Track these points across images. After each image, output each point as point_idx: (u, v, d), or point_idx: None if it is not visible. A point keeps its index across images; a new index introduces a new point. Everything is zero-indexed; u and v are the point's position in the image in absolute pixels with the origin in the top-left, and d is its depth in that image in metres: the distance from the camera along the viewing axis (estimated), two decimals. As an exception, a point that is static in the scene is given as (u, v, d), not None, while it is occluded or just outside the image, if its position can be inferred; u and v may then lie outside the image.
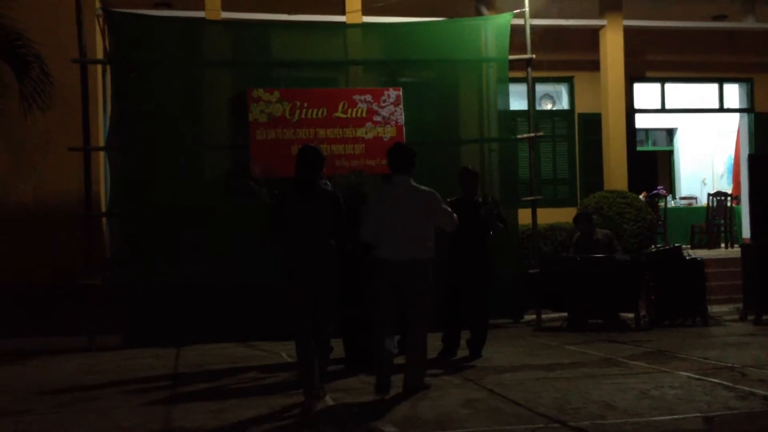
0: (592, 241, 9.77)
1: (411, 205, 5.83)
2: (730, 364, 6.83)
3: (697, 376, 6.34)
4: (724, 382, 6.08)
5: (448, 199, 6.84)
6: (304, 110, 9.61)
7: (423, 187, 5.94)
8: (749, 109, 14.91)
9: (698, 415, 5.13)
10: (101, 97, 10.25)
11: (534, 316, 9.82)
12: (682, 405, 5.40)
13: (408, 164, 5.93)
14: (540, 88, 13.72)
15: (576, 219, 10.07)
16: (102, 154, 9.78)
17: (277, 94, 9.56)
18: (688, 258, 9.71)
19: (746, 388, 5.86)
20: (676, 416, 5.09)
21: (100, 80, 10.23)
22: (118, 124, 9.39)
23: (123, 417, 5.41)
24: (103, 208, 9.72)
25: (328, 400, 5.72)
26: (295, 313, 5.56)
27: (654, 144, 18.79)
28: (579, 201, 13.14)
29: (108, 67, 9.99)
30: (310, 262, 5.55)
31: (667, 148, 18.62)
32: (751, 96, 14.88)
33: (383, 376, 5.78)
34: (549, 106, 14.31)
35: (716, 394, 5.69)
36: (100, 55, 10.06)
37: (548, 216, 11.74)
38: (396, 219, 5.78)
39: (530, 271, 9.94)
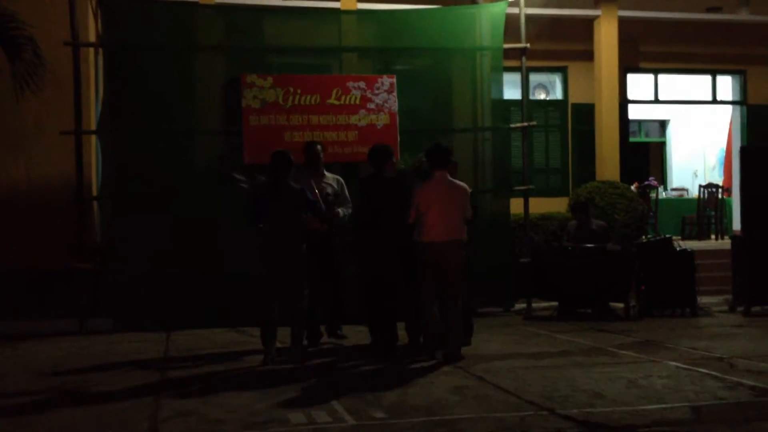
0: (588, 231, 9.80)
1: (452, 196, 6.88)
2: (718, 355, 6.88)
3: (685, 366, 6.38)
4: (713, 372, 6.12)
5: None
6: (297, 96, 9.56)
7: (458, 182, 7.04)
8: (742, 102, 14.95)
9: (686, 404, 5.17)
10: (93, 80, 10.18)
11: (524, 305, 9.84)
12: (671, 394, 5.44)
13: (447, 162, 7.00)
14: (534, 78, 13.70)
15: (573, 208, 10.11)
16: (93, 138, 9.73)
17: (270, 79, 9.51)
18: (678, 249, 9.76)
19: (734, 379, 5.91)
20: (664, 405, 5.13)
21: (93, 64, 10.17)
22: (109, 108, 9.34)
23: (115, 400, 5.42)
24: (95, 193, 9.68)
25: (322, 389, 5.73)
26: (264, 285, 6.79)
27: (647, 135, 18.84)
28: (571, 191, 13.16)
29: (101, 51, 9.92)
30: (280, 245, 6.77)
31: (660, 140, 18.67)
32: (744, 88, 14.91)
33: (433, 344, 6.83)
34: (543, 96, 14.31)
35: (704, 384, 5.74)
36: (92, 39, 9.99)
37: (540, 205, 11.75)
38: (441, 207, 6.79)
39: (521, 260, 9.96)
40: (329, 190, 7.69)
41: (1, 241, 9.50)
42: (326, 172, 8.02)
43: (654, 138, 18.81)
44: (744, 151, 10.11)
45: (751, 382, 5.77)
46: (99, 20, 9.66)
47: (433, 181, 6.92)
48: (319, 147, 8.00)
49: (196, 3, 10.68)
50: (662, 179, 17.66)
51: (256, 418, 4.88)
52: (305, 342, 7.19)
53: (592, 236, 9.75)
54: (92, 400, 5.49)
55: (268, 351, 6.74)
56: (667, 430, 4.56)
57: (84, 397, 5.62)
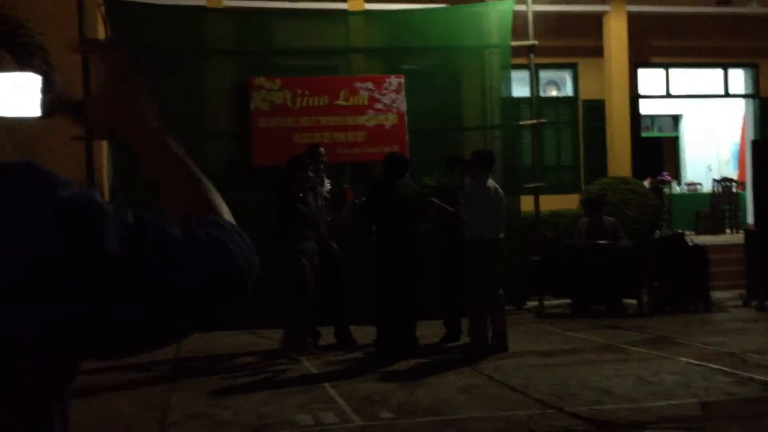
0: (600, 227, 9.76)
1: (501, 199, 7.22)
2: (730, 350, 6.84)
3: (696, 362, 6.34)
4: (724, 368, 6.08)
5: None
6: (305, 98, 9.59)
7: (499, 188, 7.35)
8: (754, 95, 14.83)
9: (695, 400, 5.14)
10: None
11: (537, 303, 9.82)
12: (680, 391, 5.41)
13: (492, 166, 7.32)
14: (544, 75, 13.66)
15: (585, 204, 10.05)
16: (105, 144, 9.79)
17: (278, 82, 9.55)
18: (690, 244, 9.69)
19: (745, 374, 5.87)
20: (672, 402, 5.11)
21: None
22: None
23: (124, 403, 5.46)
24: (106, 199, 9.72)
25: (330, 390, 5.75)
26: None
27: (659, 130, 18.71)
28: (583, 188, 13.11)
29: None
30: None
31: (673, 134, 18.54)
32: (756, 81, 14.79)
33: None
34: (554, 93, 14.26)
35: (715, 380, 5.70)
36: (102, 44, 10.06)
37: (552, 203, 11.71)
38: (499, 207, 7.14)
39: (533, 258, 9.93)
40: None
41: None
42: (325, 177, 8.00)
43: (667, 133, 18.69)
44: (756, 145, 10.04)
45: (762, 377, 5.73)
46: (108, 25, 9.72)
47: (488, 183, 7.22)
48: (321, 150, 8.00)
49: (204, 7, 10.73)
50: (676, 174, 17.55)
51: (265, 420, 4.90)
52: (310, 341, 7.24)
53: (604, 233, 9.70)
54: (99, 402, 5.52)
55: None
56: (675, 427, 4.54)
57: (91, 399, 5.65)
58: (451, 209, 7.32)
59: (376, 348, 7.14)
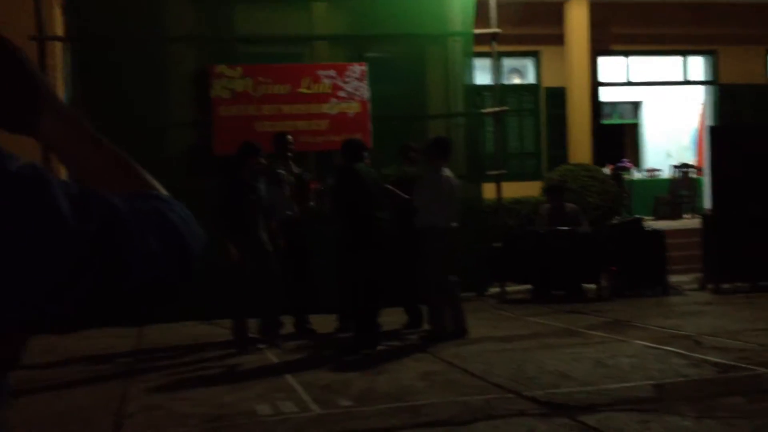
0: (561, 214, 9.86)
1: (454, 188, 7.25)
2: (685, 333, 6.97)
3: (652, 345, 6.46)
4: (679, 350, 6.20)
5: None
6: (267, 86, 9.54)
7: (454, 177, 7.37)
8: (713, 81, 15.04)
9: (650, 382, 5.24)
10: (62, 75, 10.10)
11: (498, 289, 9.90)
12: (635, 373, 5.51)
13: (448, 154, 7.33)
14: (508, 63, 13.72)
15: (547, 191, 10.15)
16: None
17: (239, 69, 9.49)
18: (648, 229, 9.84)
19: (699, 356, 5.99)
20: (627, 384, 5.21)
21: (60, 58, 10.09)
22: (78, 102, 9.28)
23: (81, 396, 5.42)
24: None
25: (290, 380, 5.76)
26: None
27: (620, 117, 18.91)
28: (545, 175, 13.22)
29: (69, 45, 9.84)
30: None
31: (633, 121, 18.75)
32: (715, 68, 15.00)
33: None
34: (517, 81, 14.34)
35: (670, 362, 5.81)
36: (60, 32, 9.91)
37: (515, 190, 11.80)
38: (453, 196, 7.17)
39: (495, 245, 10.01)
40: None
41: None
42: (293, 164, 7.98)
43: (628, 120, 18.90)
44: (713, 131, 10.21)
45: (715, 359, 5.86)
46: (66, 13, 9.57)
47: (444, 173, 7.21)
48: (289, 137, 7.98)
49: (165, -7, 10.59)
50: (636, 160, 17.77)
51: (223, 410, 4.90)
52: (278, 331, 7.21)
53: (565, 219, 9.81)
54: (55, 396, 5.49)
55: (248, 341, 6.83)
56: (629, 409, 4.63)
57: (47, 392, 5.61)
58: (405, 197, 7.31)
59: (357, 334, 6.97)
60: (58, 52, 9.92)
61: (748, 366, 5.58)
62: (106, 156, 1.06)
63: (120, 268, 0.86)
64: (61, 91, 9.94)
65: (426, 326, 7.43)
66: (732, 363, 5.69)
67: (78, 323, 0.89)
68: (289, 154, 7.87)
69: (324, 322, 7.84)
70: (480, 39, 10.46)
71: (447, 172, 7.22)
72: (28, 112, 1.01)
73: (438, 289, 6.98)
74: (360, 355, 6.59)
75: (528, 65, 14.28)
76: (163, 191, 1.04)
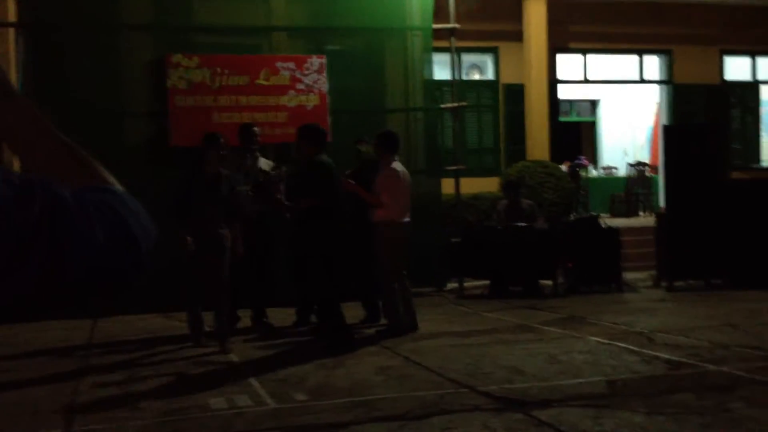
0: (518, 210, 9.94)
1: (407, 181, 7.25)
2: (638, 329, 7.07)
3: (605, 341, 6.54)
4: (631, 347, 6.28)
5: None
6: (225, 77, 9.43)
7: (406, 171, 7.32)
8: (668, 81, 15.27)
9: (602, 378, 5.30)
10: (15, 62, 9.86)
11: (456, 285, 9.95)
12: (588, 369, 5.57)
13: (396, 148, 7.26)
14: (468, 59, 13.77)
15: (504, 187, 10.21)
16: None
17: (196, 59, 9.36)
18: (604, 227, 9.97)
19: (651, 353, 6.08)
20: (580, 380, 5.26)
21: (13, 45, 9.85)
22: (31, 90, 9.07)
23: (33, 389, 5.32)
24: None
25: (246, 373, 5.71)
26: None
27: (578, 114, 19.15)
28: (503, 171, 13.31)
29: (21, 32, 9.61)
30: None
31: (590, 119, 19.00)
32: (670, 68, 15.22)
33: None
34: (477, 77, 14.40)
35: (622, 359, 5.89)
36: (12, 18, 9.68)
37: (473, 185, 11.87)
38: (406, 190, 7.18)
39: (453, 240, 10.05)
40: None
41: None
42: (260, 156, 7.89)
43: (585, 117, 19.14)
44: (668, 130, 10.37)
45: (666, 356, 5.95)
46: (19, 1, 9.35)
47: (397, 166, 7.15)
48: (255, 129, 7.88)
49: (120, -20, 10.40)
50: (593, 158, 17.99)
51: (177, 404, 4.84)
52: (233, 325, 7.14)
53: (522, 215, 9.89)
54: (5, 388, 5.37)
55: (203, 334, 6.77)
56: (582, 404, 4.68)
57: (1, 384, 5.49)
58: (362, 190, 7.22)
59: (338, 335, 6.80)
60: (11, 39, 9.69)
61: (698, 363, 5.68)
62: (59, 147, 1.03)
63: (62, 256, 0.84)
64: (14, 78, 9.72)
65: (383, 321, 7.44)
66: (683, 360, 5.78)
67: (25, 308, 0.88)
68: (254, 146, 7.78)
69: (281, 316, 7.79)
70: (439, 34, 10.48)
71: (398, 165, 7.18)
72: None
73: (392, 283, 6.98)
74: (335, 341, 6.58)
75: (487, 61, 14.34)
76: (118, 186, 1.02)
